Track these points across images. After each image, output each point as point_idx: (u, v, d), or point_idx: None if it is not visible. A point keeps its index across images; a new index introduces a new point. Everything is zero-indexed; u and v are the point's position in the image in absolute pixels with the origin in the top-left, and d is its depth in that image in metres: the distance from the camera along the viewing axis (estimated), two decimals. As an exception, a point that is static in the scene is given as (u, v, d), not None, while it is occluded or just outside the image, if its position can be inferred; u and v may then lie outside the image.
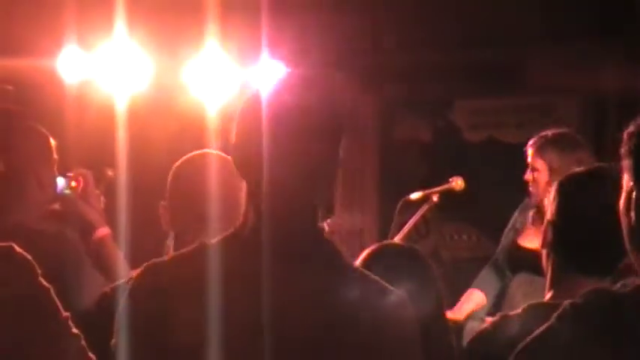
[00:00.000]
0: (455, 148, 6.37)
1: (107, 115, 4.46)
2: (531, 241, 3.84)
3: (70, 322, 2.11)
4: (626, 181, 1.54)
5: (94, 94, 4.83)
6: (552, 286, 2.20)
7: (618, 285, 1.55)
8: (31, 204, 3.02)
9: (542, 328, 1.50)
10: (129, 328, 1.77)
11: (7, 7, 5.00)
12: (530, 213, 4.01)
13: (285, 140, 1.75)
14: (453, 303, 4.15)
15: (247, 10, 4.59)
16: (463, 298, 4.21)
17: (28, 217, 2.98)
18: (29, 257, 2.12)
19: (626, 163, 1.53)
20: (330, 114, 1.80)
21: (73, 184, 3.14)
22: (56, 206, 3.16)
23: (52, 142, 3.07)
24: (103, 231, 3.08)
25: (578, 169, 2.35)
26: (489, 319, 2.27)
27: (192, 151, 2.60)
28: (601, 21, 5.21)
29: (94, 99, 4.79)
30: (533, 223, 3.96)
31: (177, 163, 2.61)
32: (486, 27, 5.42)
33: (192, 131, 3.72)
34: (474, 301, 4.18)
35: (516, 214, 4.21)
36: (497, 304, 4.08)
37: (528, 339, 1.51)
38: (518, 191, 4.06)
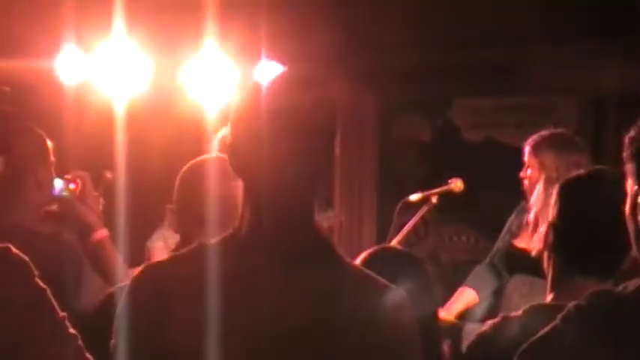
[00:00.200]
0: (454, 148, 6.36)
1: (106, 117, 4.44)
2: (528, 242, 3.83)
3: (67, 323, 2.11)
4: (630, 185, 1.54)
5: (93, 96, 4.81)
6: (553, 288, 2.21)
7: (621, 287, 1.55)
8: (28, 205, 3.02)
9: (546, 329, 1.51)
10: (128, 329, 1.77)
11: (4, 7, 4.99)
12: (527, 215, 4.00)
13: (281, 139, 1.74)
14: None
15: (246, 10, 4.59)
16: (454, 297, 4.20)
17: (26, 218, 2.98)
18: (26, 258, 2.11)
19: (628, 167, 1.54)
20: (325, 112, 1.79)
21: (72, 186, 3.13)
22: (54, 208, 3.16)
23: (49, 143, 3.07)
24: (102, 233, 3.09)
25: (578, 172, 2.35)
26: (489, 321, 2.26)
27: (190, 154, 2.64)
28: (601, 21, 5.20)
29: (93, 100, 4.78)
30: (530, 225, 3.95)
31: (185, 167, 2.68)
32: (486, 27, 5.40)
33: (190, 134, 3.72)
34: (463, 301, 4.16)
35: (512, 217, 4.20)
36: (494, 305, 4.07)
37: (532, 339, 1.51)
38: (518, 192, 4.05)
